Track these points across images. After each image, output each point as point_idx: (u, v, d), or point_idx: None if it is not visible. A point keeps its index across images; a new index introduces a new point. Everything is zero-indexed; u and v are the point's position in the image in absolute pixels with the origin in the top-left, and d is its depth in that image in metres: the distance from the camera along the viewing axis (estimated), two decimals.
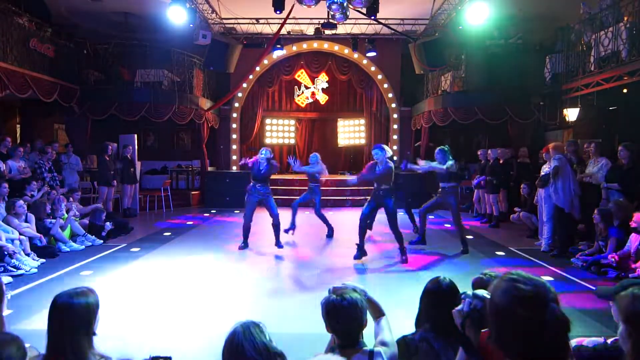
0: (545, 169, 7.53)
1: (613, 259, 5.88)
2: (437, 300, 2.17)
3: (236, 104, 14.34)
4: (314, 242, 7.99)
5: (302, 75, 15.01)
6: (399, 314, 3.33)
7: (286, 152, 15.36)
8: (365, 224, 6.75)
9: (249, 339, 1.66)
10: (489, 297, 1.55)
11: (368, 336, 2.13)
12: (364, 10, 9.45)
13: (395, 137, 14.34)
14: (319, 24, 11.69)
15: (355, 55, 13.83)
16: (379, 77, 14.24)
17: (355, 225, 6.79)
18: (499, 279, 1.46)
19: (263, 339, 1.69)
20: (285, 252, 7.22)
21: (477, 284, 2.24)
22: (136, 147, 11.55)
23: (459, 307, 1.74)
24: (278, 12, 9.28)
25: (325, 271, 6.22)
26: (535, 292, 1.35)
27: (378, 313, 2.23)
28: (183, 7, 9.27)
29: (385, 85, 14.26)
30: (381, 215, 7.38)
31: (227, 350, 1.68)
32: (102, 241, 7.82)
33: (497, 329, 1.42)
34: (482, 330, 1.71)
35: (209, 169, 13.37)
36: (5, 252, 5.84)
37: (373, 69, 14.18)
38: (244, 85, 13.86)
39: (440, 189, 7.33)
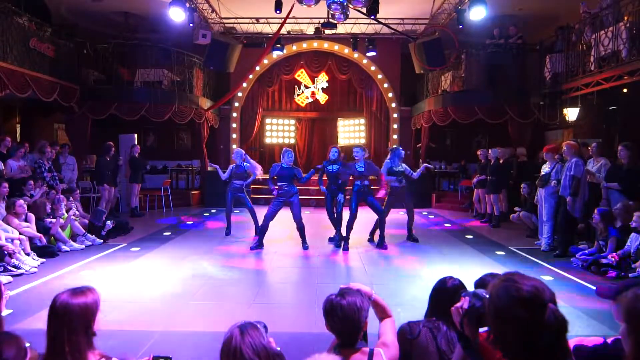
0: (545, 168, 7.53)
1: (613, 259, 5.89)
2: (443, 299, 2.18)
3: (236, 104, 14.34)
4: (316, 242, 7.98)
5: (302, 75, 15.01)
6: (399, 313, 3.33)
7: None
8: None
9: (246, 341, 1.65)
10: (488, 296, 1.55)
11: (373, 336, 2.14)
12: (364, 10, 9.45)
13: (395, 136, 14.34)
14: (319, 23, 11.68)
15: (355, 55, 13.83)
16: (379, 76, 14.24)
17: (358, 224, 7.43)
18: (497, 279, 1.46)
19: (261, 340, 1.67)
20: (286, 251, 7.21)
21: (480, 284, 2.24)
22: (136, 146, 11.56)
23: (458, 304, 1.75)
24: (278, 11, 9.28)
25: (326, 270, 6.23)
26: (534, 292, 1.35)
27: (384, 314, 2.23)
28: (183, 6, 9.27)
29: (385, 85, 14.26)
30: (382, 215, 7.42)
31: (224, 352, 1.67)
32: (102, 241, 7.81)
33: (496, 329, 1.42)
34: (481, 330, 1.72)
35: (209, 168, 13.38)
36: (5, 252, 5.84)
37: (373, 68, 14.18)
38: (244, 85, 13.86)
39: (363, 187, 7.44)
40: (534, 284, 1.37)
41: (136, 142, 11.60)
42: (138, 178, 10.81)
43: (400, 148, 8.14)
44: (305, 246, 7.45)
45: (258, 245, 7.37)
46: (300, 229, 7.43)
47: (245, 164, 8.19)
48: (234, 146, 14.21)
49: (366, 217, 8.28)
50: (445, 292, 2.23)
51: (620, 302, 1.58)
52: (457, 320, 1.73)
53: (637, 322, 1.51)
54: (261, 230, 7.43)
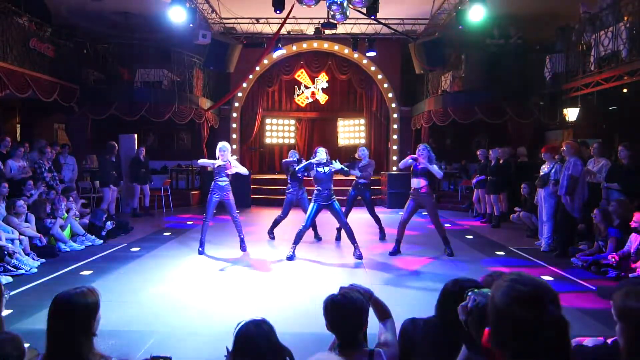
0: (544, 168, 7.53)
1: (613, 259, 5.88)
2: (445, 297, 2.16)
3: (236, 104, 14.34)
4: (317, 243, 7.98)
5: (302, 75, 15.01)
6: (398, 313, 3.32)
7: (286, 152, 15.38)
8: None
9: (262, 335, 1.68)
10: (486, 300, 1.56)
11: (373, 336, 2.14)
12: (364, 10, 9.45)
13: (395, 137, 14.34)
14: (319, 23, 11.68)
15: (355, 55, 13.83)
16: (379, 77, 14.24)
17: (359, 223, 7.37)
18: (501, 278, 1.46)
19: (275, 335, 1.72)
20: (286, 252, 7.18)
21: (486, 282, 2.23)
22: (136, 147, 11.57)
23: (464, 303, 1.75)
24: (278, 12, 9.28)
25: (326, 271, 6.23)
26: (534, 292, 1.35)
27: (384, 314, 2.23)
28: (183, 6, 9.27)
29: (385, 85, 14.26)
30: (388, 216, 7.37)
31: (239, 346, 1.69)
32: (102, 241, 7.82)
33: (496, 329, 1.42)
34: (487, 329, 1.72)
35: (209, 169, 13.35)
36: (5, 252, 5.84)
37: (373, 68, 14.18)
38: (244, 85, 13.86)
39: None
40: (534, 285, 1.37)
41: (136, 142, 11.61)
42: (139, 179, 10.82)
43: (420, 147, 6.90)
44: (318, 238, 7.98)
45: (271, 233, 8.10)
46: (313, 225, 7.54)
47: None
48: (234, 146, 14.22)
49: (364, 217, 8.28)
50: (447, 293, 2.18)
51: (614, 300, 1.60)
52: (463, 318, 1.73)
53: (628, 319, 1.52)
54: (274, 223, 8.04)
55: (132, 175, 10.85)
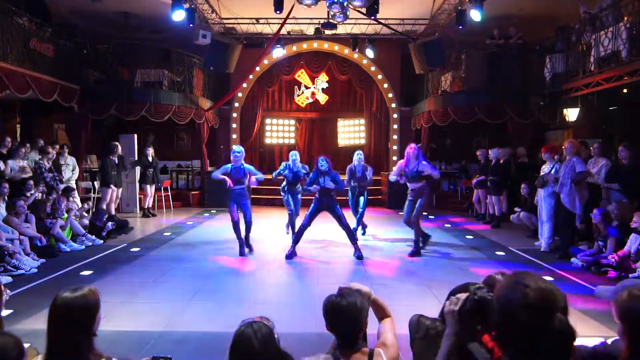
0: (544, 168, 7.52)
1: (613, 259, 5.88)
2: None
3: (236, 104, 14.33)
4: (315, 241, 7.98)
5: (302, 75, 15.00)
6: (399, 313, 3.32)
7: (286, 152, 15.38)
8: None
9: (259, 337, 1.67)
10: (489, 297, 1.55)
11: (373, 336, 2.13)
12: (364, 10, 9.45)
13: (395, 137, 14.33)
14: (319, 24, 11.69)
15: (355, 55, 13.82)
16: (379, 77, 14.23)
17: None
18: (506, 278, 1.45)
19: (272, 336, 1.70)
20: (285, 251, 7.19)
21: (487, 282, 2.22)
22: (136, 147, 11.57)
23: (459, 294, 1.73)
24: (278, 12, 9.28)
25: (326, 271, 6.23)
26: (544, 300, 1.33)
27: (383, 314, 2.23)
28: (183, 7, 9.28)
29: (385, 85, 14.26)
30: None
31: (236, 348, 1.68)
32: (102, 241, 7.82)
33: (499, 329, 1.42)
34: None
35: (209, 169, 13.36)
36: (5, 252, 5.84)
37: (373, 69, 14.17)
38: (244, 85, 13.85)
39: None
40: (545, 291, 1.35)
41: (136, 142, 11.61)
42: (147, 179, 10.84)
43: (412, 145, 7.25)
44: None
45: (288, 231, 8.21)
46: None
47: (246, 165, 7.13)
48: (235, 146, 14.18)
49: (364, 217, 8.28)
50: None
51: (616, 301, 1.60)
52: (454, 308, 1.70)
53: (631, 321, 1.52)
54: (289, 221, 8.08)
55: (140, 176, 10.87)
